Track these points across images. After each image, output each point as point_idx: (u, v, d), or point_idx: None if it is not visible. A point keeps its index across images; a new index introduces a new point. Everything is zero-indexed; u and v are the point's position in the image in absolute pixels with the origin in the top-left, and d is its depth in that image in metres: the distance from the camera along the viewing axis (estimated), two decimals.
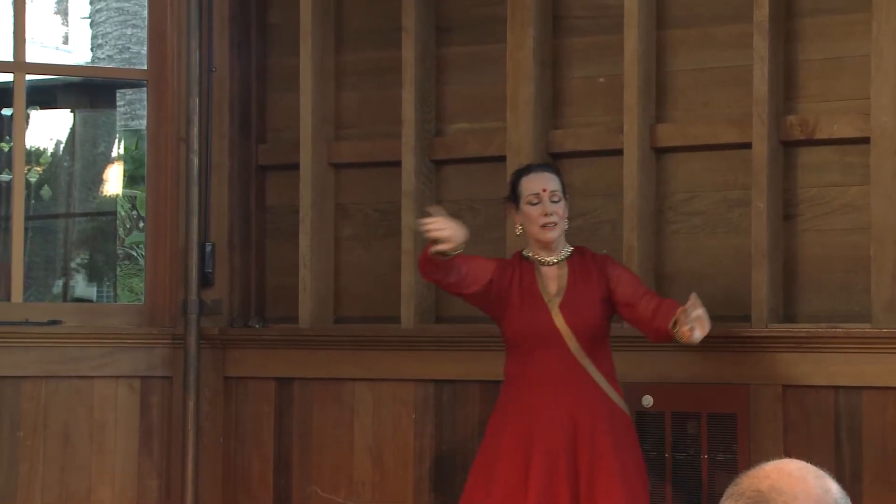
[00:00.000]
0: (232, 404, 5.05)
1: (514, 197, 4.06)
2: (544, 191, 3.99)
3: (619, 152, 4.51)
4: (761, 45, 4.29)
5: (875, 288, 4.15)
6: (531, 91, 4.64)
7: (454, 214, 4.86)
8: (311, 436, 4.92)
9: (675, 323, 3.78)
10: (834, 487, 1.83)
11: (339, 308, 5.03)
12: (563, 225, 4.02)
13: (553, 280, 3.99)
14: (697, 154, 4.48)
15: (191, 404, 4.95)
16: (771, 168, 4.27)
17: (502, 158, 4.69)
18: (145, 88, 5.18)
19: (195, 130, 5.01)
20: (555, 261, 4.01)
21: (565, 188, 4.07)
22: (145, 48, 5.26)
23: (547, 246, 4.02)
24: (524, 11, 4.64)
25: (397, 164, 4.85)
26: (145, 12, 5.24)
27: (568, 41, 4.69)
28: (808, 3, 4.34)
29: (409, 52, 4.82)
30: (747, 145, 4.33)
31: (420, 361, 4.75)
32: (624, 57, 4.49)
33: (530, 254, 4.05)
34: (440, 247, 3.83)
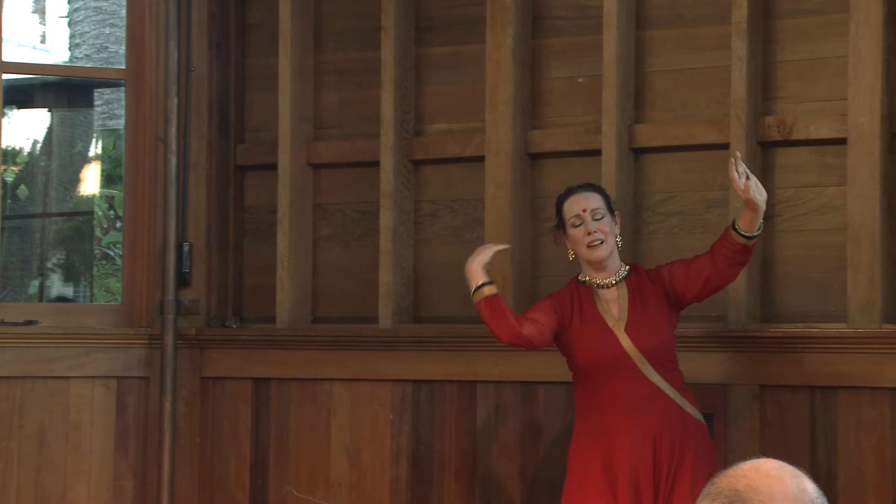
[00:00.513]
0: (209, 404, 5.04)
1: (560, 224, 3.96)
2: (584, 210, 3.89)
3: (598, 153, 4.51)
4: (739, 46, 4.30)
5: (851, 288, 4.17)
6: (510, 91, 4.64)
7: (432, 215, 4.87)
8: (288, 436, 4.91)
9: (734, 223, 3.76)
10: (810, 487, 1.84)
11: (317, 308, 5.02)
12: (613, 241, 3.91)
13: (614, 303, 3.89)
14: (676, 154, 4.48)
15: (167, 405, 4.93)
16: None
17: (481, 159, 4.69)
18: (123, 88, 5.16)
19: (173, 130, 4.99)
20: (613, 282, 3.91)
21: (611, 203, 3.96)
22: (123, 48, 5.25)
23: (600, 267, 3.90)
24: (503, 12, 4.65)
25: (376, 164, 4.85)
26: (123, 11, 5.23)
27: (547, 41, 4.69)
28: (787, 5, 4.36)
29: (388, 52, 4.82)
30: (725, 146, 4.34)
31: (398, 361, 4.74)
32: (603, 57, 4.50)
33: (586, 278, 3.95)
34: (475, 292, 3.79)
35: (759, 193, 3.75)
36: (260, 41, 5.15)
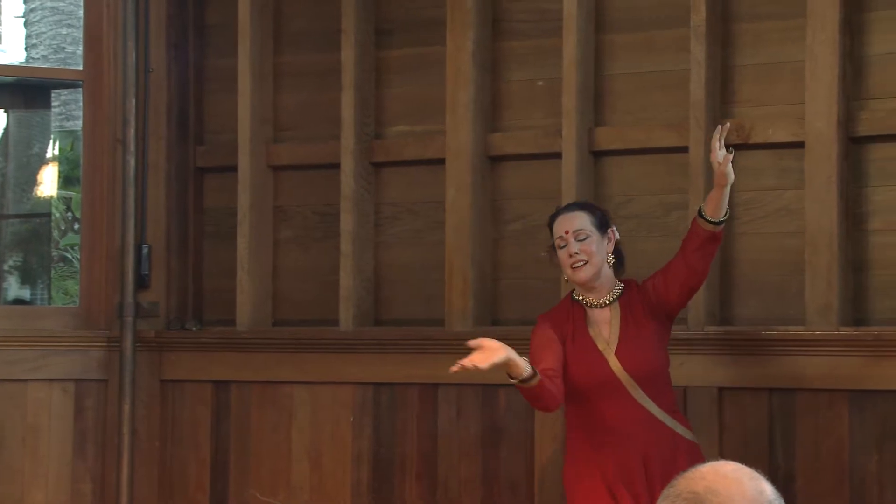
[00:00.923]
0: (168, 408, 5.01)
1: (552, 245, 3.90)
2: (567, 232, 3.82)
3: (558, 155, 4.53)
4: (698, 50, 4.33)
5: (809, 291, 4.20)
6: (470, 94, 4.64)
7: (393, 217, 4.87)
8: (248, 439, 4.90)
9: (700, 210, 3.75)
10: (768, 489, 1.85)
11: (278, 311, 5.01)
12: (599, 261, 3.82)
13: (605, 325, 3.83)
14: (635, 157, 4.51)
15: (126, 408, 4.90)
16: (708, 172, 4.30)
17: (441, 161, 4.70)
18: (81, 89, 5.13)
19: (132, 132, 4.97)
20: (606, 302, 3.84)
21: (602, 221, 3.86)
22: (81, 48, 5.22)
23: (589, 287, 3.83)
24: (464, 14, 4.65)
25: (336, 166, 4.84)
26: (80, 12, 5.20)
27: (507, 44, 4.70)
28: (745, 9, 4.39)
29: (348, 55, 4.81)
30: (684, 149, 4.36)
31: (359, 364, 4.74)
32: (563, 60, 4.51)
33: (579, 297, 3.88)
34: (513, 376, 3.66)
35: (730, 172, 3.74)
36: (219, 42, 5.13)
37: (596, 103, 4.55)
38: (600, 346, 3.81)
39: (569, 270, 3.83)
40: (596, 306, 3.86)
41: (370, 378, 4.72)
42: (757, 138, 4.31)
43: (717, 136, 3.77)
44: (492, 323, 4.68)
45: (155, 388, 5.00)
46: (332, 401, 4.78)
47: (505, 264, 4.68)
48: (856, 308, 4.23)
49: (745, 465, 1.89)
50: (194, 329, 5.06)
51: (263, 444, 4.87)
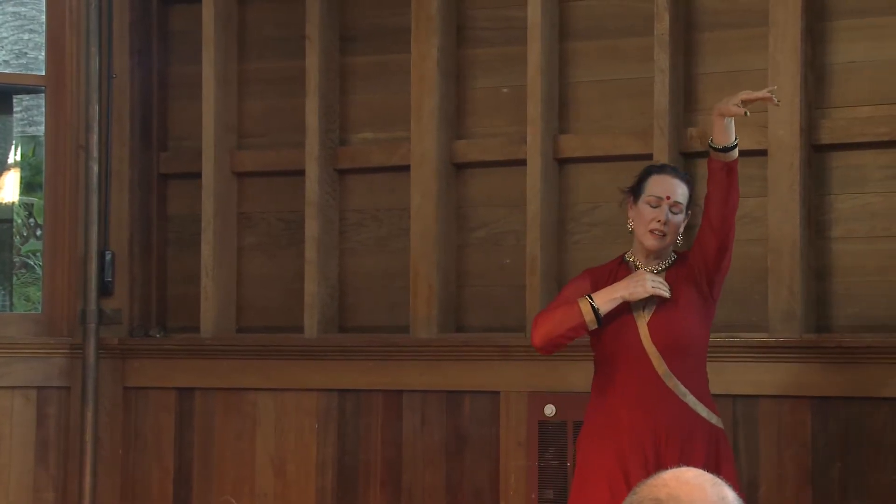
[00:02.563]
0: (131, 415, 4.99)
1: (636, 190, 3.75)
2: (668, 198, 3.70)
3: (523, 163, 4.54)
4: (662, 59, 4.35)
5: (772, 298, 4.22)
6: (435, 101, 4.65)
7: (358, 224, 4.86)
8: (212, 446, 4.88)
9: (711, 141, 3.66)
10: (730, 495, 1.86)
11: (242, 318, 4.99)
12: (673, 238, 3.72)
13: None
14: (600, 165, 4.52)
15: (89, 415, 4.87)
16: None
17: (406, 168, 4.70)
18: (43, 95, 5.09)
19: (95, 138, 4.94)
20: (654, 271, 3.73)
21: (692, 201, 3.77)
22: (43, 54, 5.18)
23: (648, 252, 3.73)
24: (428, 22, 4.66)
25: (301, 173, 4.84)
26: (43, 17, 5.16)
27: (472, 52, 4.71)
28: (708, 18, 4.41)
29: (312, 61, 4.81)
30: (648, 156, 4.38)
31: (323, 371, 4.73)
32: (527, 68, 4.52)
33: (631, 258, 3.78)
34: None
35: (731, 121, 3.66)
36: (183, 49, 5.11)
37: (560, 111, 4.56)
38: (634, 313, 3.70)
39: (643, 230, 3.72)
40: (647, 272, 3.73)
41: (334, 385, 4.71)
42: None
43: (765, 94, 3.67)
44: (456, 330, 4.68)
45: (118, 396, 4.98)
46: (297, 408, 4.77)
47: (470, 272, 4.69)
48: (818, 315, 4.26)
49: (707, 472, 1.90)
50: (158, 336, 5.04)
51: (227, 452, 4.86)
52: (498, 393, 4.51)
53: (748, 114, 3.69)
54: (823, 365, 4.12)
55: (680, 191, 3.73)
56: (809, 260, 4.25)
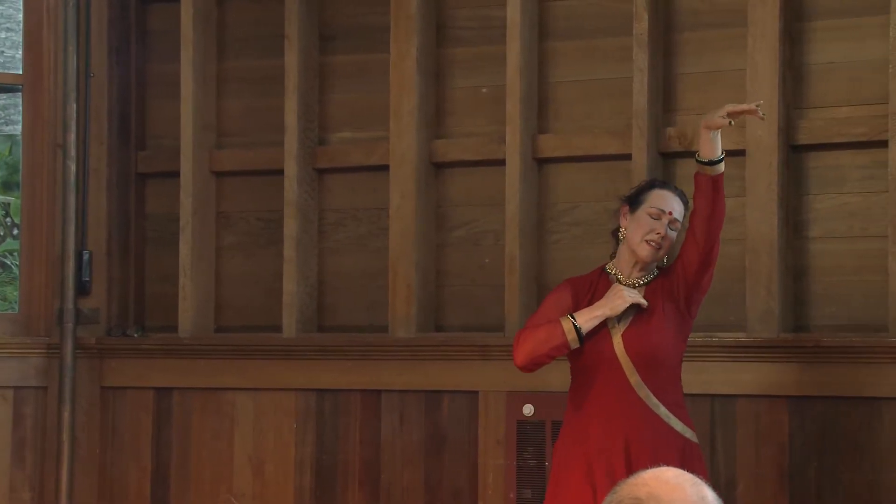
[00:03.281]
0: (109, 415, 4.97)
1: (634, 200, 3.78)
2: (670, 213, 3.73)
3: (502, 162, 4.54)
4: (641, 58, 4.36)
5: (750, 298, 4.24)
6: (414, 101, 4.64)
7: (337, 224, 4.86)
8: (190, 446, 4.87)
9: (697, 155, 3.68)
10: (709, 494, 1.87)
11: (220, 317, 4.98)
12: (665, 253, 3.76)
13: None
14: (579, 165, 4.53)
15: (66, 415, 4.85)
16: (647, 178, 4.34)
17: (385, 168, 4.70)
18: (20, 93, 5.07)
19: (72, 136, 4.92)
20: (636, 284, 3.75)
21: (683, 223, 3.81)
22: (20, 52, 5.16)
23: (636, 263, 3.74)
24: (408, 21, 4.65)
25: (280, 172, 4.83)
26: (20, 16, 5.14)
27: (451, 51, 4.71)
28: (687, 18, 4.42)
29: (291, 61, 4.80)
30: (627, 156, 4.39)
31: (302, 371, 4.72)
32: (507, 68, 4.52)
33: (612, 270, 3.80)
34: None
35: (718, 134, 3.69)
36: (161, 48, 5.10)
37: (540, 111, 4.57)
38: (609, 325, 3.72)
39: (638, 239, 3.72)
40: (626, 284, 3.76)
41: (313, 385, 4.71)
42: (698, 146, 4.33)
43: (751, 108, 3.70)
44: (435, 329, 4.68)
45: (95, 395, 4.96)
46: (275, 407, 4.76)
47: (449, 271, 4.69)
48: (796, 315, 4.27)
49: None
50: (136, 335, 5.02)
51: (205, 452, 4.84)
52: (476, 392, 4.52)
53: (732, 123, 3.73)
54: (801, 364, 4.14)
55: (679, 209, 3.78)
56: (787, 260, 4.26)
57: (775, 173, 4.23)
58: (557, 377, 4.25)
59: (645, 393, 3.69)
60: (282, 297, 4.78)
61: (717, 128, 3.70)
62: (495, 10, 4.61)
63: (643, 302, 3.71)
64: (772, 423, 4.17)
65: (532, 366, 3.75)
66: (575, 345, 3.70)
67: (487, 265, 4.63)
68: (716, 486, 1.92)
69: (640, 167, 4.34)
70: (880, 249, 4.15)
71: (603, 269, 3.84)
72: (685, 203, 3.82)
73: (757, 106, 3.73)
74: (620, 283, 3.77)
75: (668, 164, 4.42)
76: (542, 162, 4.56)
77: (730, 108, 3.70)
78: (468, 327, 4.64)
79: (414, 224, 4.63)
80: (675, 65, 4.42)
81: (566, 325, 3.69)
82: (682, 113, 4.41)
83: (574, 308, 3.75)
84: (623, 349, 3.71)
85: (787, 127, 4.26)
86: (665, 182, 3.93)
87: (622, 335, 3.72)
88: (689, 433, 3.74)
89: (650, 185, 3.83)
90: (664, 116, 4.42)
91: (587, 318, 3.70)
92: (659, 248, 3.74)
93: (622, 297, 3.69)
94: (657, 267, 3.80)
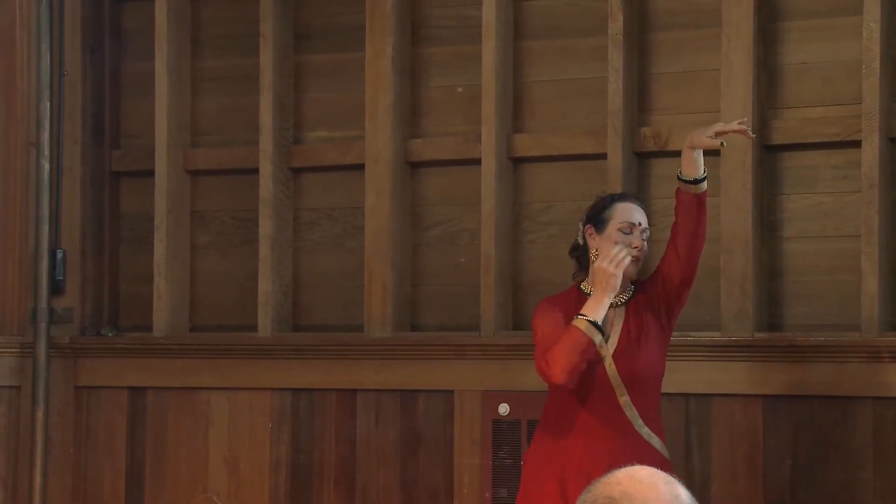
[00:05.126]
0: (83, 414, 4.95)
1: (597, 219, 3.72)
2: (640, 224, 3.69)
3: (478, 162, 4.54)
4: (616, 58, 4.37)
5: (724, 297, 4.25)
6: (390, 100, 4.64)
7: (312, 223, 4.85)
8: (165, 446, 4.85)
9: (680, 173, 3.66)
10: (683, 493, 1.87)
11: (195, 316, 4.97)
12: (641, 263, 3.73)
13: (609, 324, 3.67)
14: (555, 164, 4.53)
15: (39, 414, 4.83)
16: (625, 179, 4.35)
17: (361, 167, 4.69)
18: None
19: (46, 135, 4.90)
20: (618, 303, 3.70)
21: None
22: None
23: (616, 281, 3.64)
24: (383, 20, 4.65)
25: (255, 171, 4.82)
26: None
27: (427, 50, 4.71)
28: (662, 18, 4.43)
29: (266, 59, 4.79)
30: (603, 156, 4.40)
31: (277, 370, 4.71)
32: (482, 67, 4.53)
33: (587, 288, 3.72)
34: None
35: (700, 153, 3.68)
36: (136, 46, 5.08)
37: (515, 110, 4.57)
38: (597, 343, 3.64)
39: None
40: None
41: (288, 384, 4.70)
42: (674, 146, 4.35)
43: (740, 127, 3.69)
44: (411, 328, 4.68)
45: (69, 395, 4.94)
46: (250, 407, 4.75)
47: (424, 270, 4.69)
48: (770, 314, 4.29)
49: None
50: (110, 335, 5.00)
51: (180, 451, 4.83)
52: (452, 392, 4.52)
53: (724, 144, 3.72)
54: (775, 364, 4.15)
55: (644, 217, 3.75)
56: (762, 259, 4.28)
57: (749, 173, 4.24)
58: (533, 376, 4.25)
59: (632, 413, 3.67)
60: (257, 296, 4.77)
61: (704, 148, 3.69)
62: (471, 10, 4.61)
63: (627, 259, 3.63)
64: (746, 421, 4.18)
65: (574, 375, 3.63)
66: (598, 338, 3.62)
67: (463, 264, 4.63)
68: (691, 486, 1.93)
69: (616, 167, 4.35)
70: (853, 249, 4.17)
71: (578, 288, 3.77)
72: (643, 206, 3.79)
73: (740, 123, 3.73)
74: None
75: (642, 163, 4.43)
76: (517, 161, 4.57)
77: (718, 127, 3.69)
78: (444, 327, 4.64)
79: (389, 223, 4.63)
80: (650, 65, 4.43)
81: (581, 324, 3.62)
82: (658, 113, 4.42)
83: (567, 320, 3.68)
84: (615, 370, 3.66)
85: (762, 127, 4.27)
86: (623, 194, 3.89)
87: (612, 356, 3.67)
88: (664, 451, 3.73)
89: (610, 200, 3.77)
90: (639, 116, 4.43)
91: (595, 309, 3.63)
92: (639, 261, 3.71)
93: (612, 273, 3.62)
94: (631, 283, 3.75)
